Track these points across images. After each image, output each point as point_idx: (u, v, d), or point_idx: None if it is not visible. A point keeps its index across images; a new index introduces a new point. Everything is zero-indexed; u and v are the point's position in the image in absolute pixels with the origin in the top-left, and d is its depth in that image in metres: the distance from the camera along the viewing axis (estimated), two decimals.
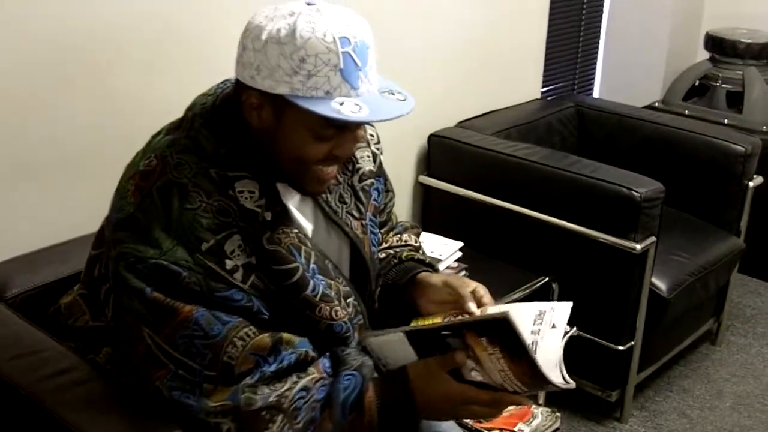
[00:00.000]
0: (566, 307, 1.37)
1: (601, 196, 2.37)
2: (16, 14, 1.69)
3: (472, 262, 2.36)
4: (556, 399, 2.51)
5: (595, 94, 3.95)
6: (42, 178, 1.82)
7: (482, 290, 1.44)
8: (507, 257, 2.52)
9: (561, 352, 1.30)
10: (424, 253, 1.69)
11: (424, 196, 2.82)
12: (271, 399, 1.26)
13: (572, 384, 1.26)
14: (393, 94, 1.29)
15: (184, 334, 1.22)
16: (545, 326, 1.32)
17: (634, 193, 2.31)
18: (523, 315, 1.36)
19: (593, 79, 3.94)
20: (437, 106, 2.79)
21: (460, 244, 2.36)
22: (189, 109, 1.36)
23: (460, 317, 1.33)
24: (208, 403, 1.24)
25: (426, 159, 2.78)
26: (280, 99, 1.22)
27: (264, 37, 1.21)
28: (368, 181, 1.54)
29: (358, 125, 1.31)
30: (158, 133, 1.38)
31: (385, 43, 2.49)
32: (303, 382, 1.30)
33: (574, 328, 1.37)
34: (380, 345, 1.37)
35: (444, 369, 1.30)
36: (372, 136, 1.60)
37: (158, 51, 1.94)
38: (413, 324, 1.42)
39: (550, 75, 3.47)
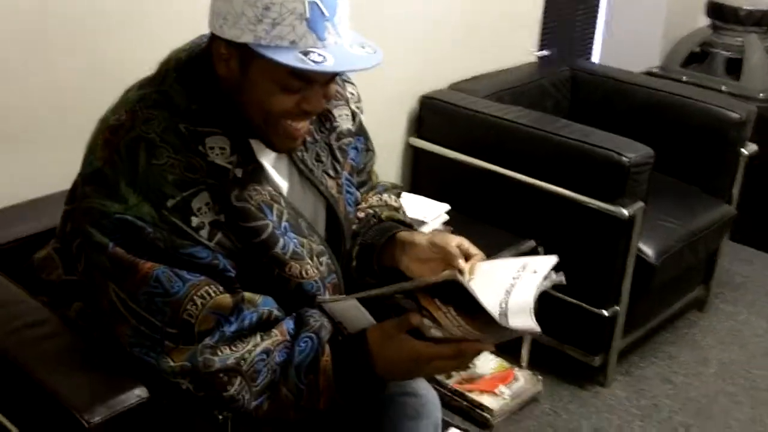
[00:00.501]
0: (551, 258, 1.38)
1: (589, 161, 2.36)
2: None
3: (458, 225, 2.35)
4: (539, 362, 2.53)
5: (594, 59, 3.91)
6: (19, 135, 1.81)
7: (466, 243, 1.44)
8: (494, 221, 2.51)
9: (534, 294, 1.29)
10: (404, 213, 1.68)
11: (414, 158, 2.81)
12: (230, 361, 1.25)
13: (537, 329, 1.24)
14: (363, 48, 1.27)
15: (145, 291, 1.22)
16: (526, 272, 1.33)
17: (623, 158, 2.30)
18: (506, 266, 1.37)
19: (592, 43, 3.89)
20: (429, 68, 2.77)
21: (447, 206, 2.35)
22: (163, 64, 1.35)
23: (410, 282, 1.32)
24: (168, 362, 1.24)
25: (417, 121, 2.76)
26: (246, 49, 1.21)
27: None
28: (346, 140, 1.53)
29: (328, 79, 1.29)
30: (131, 88, 1.36)
31: (376, 5, 2.49)
32: (264, 344, 1.29)
33: (562, 276, 1.36)
34: (337, 310, 1.36)
35: (401, 330, 1.28)
36: (352, 94, 1.58)
37: (136, 5, 1.92)
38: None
39: (547, 38, 3.43)
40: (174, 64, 1.33)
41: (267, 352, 1.29)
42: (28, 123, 1.82)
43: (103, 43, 1.89)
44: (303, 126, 1.32)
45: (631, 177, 2.31)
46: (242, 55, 1.23)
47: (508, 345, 2.45)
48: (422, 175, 2.80)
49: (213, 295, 1.25)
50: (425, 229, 2.25)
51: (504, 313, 1.26)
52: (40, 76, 1.81)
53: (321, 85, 1.28)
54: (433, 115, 2.70)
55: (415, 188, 2.81)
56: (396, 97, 2.70)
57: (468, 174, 2.61)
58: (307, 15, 1.18)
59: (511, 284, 1.31)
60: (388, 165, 2.77)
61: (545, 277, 1.34)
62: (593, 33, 3.85)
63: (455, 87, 2.81)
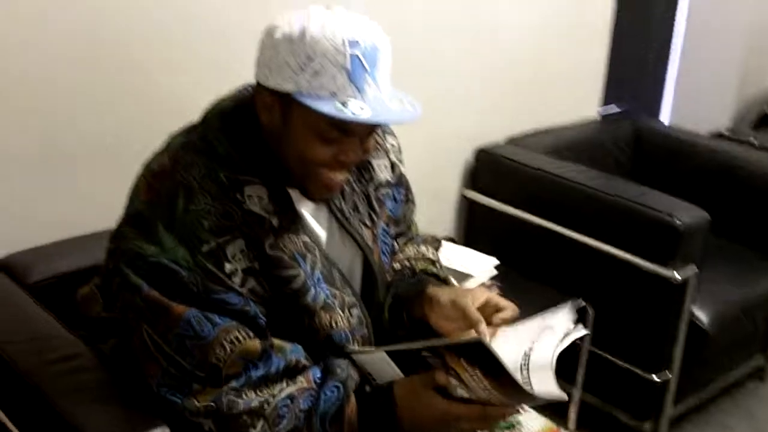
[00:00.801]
0: (570, 311, 1.35)
1: (641, 221, 2.32)
2: (56, 10, 1.74)
3: (506, 280, 2.33)
4: (587, 424, 2.47)
5: (664, 117, 3.85)
6: (71, 170, 1.86)
7: (496, 299, 1.43)
8: (544, 278, 2.48)
9: (552, 356, 1.27)
10: (441, 266, 1.68)
11: (469, 210, 2.80)
12: (253, 404, 1.26)
13: (563, 395, 1.23)
14: (403, 103, 1.28)
15: (176, 333, 1.23)
16: (545, 332, 1.31)
17: (676, 220, 2.25)
18: (527, 328, 1.35)
19: (661, 101, 3.84)
20: (486, 120, 2.78)
21: (495, 260, 2.33)
22: (207, 111, 1.38)
23: (437, 340, 1.31)
24: (194, 403, 1.25)
25: (472, 173, 2.76)
26: (288, 98, 1.23)
27: (277, 35, 1.23)
28: (383, 191, 1.54)
29: (366, 132, 1.31)
30: (176, 134, 1.40)
31: (434, 54, 2.51)
32: (289, 389, 1.30)
33: (581, 330, 1.34)
34: (366, 361, 1.36)
35: (428, 387, 1.28)
36: (393, 145, 1.60)
37: (190, 51, 1.97)
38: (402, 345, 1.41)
39: (612, 94, 3.41)
40: (218, 112, 1.36)
41: (291, 397, 1.30)
42: (82, 158, 1.87)
43: (162, 85, 1.94)
44: (340, 177, 1.34)
45: (684, 240, 2.26)
46: (284, 104, 1.26)
47: (555, 405, 2.43)
48: (476, 228, 2.79)
49: (242, 340, 1.26)
50: (471, 282, 2.24)
51: (527, 380, 1.24)
52: (95, 114, 1.86)
53: (359, 137, 1.30)
54: (487, 168, 2.70)
55: (468, 240, 2.81)
56: (452, 148, 2.71)
57: (520, 229, 2.59)
58: (348, 67, 1.21)
59: (530, 347, 1.29)
60: (441, 216, 2.77)
61: (565, 334, 1.32)
62: (663, 90, 3.81)
63: (513, 141, 2.81)
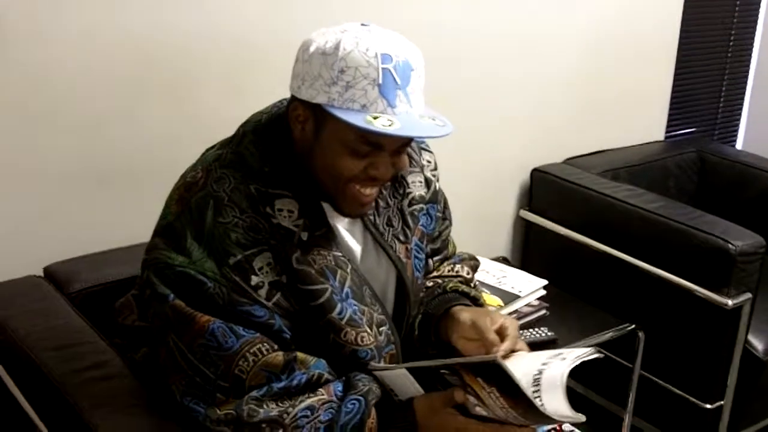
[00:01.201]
0: (588, 351, 1.34)
1: (695, 246, 2.27)
2: (103, 24, 1.80)
3: (557, 303, 2.32)
4: None
5: (739, 143, 3.75)
6: (115, 184, 1.91)
7: (510, 326, 1.43)
8: (597, 301, 2.45)
9: (561, 375, 1.26)
10: (474, 286, 1.68)
11: (525, 231, 2.79)
12: (273, 413, 1.27)
13: (578, 416, 1.22)
14: (434, 120, 1.29)
15: (201, 343, 1.26)
16: (556, 359, 1.30)
17: (730, 245, 2.20)
18: (540, 355, 1.35)
19: (737, 126, 3.75)
20: (544, 141, 2.77)
21: (544, 282, 2.32)
22: (242, 126, 1.41)
23: (454, 359, 1.32)
24: (216, 411, 1.26)
25: (528, 193, 2.75)
26: (320, 111, 1.26)
27: (312, 48, 1.26)
28: (417, 206, 1.55)
29: (397, 147, 1.32)
30: (212, 147, 1.44)
31: (489, 75, 2.52)
32: (309, 401, 1.30)
33: (594, 353, 1.33)
34: (387, 377, 1.37)
35: (447, 404, 1.29)
36: (429, 162, 1.61)
37: (239, 69, 2.02)
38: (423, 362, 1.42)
39: (683, 118, 3.35)
40: (252, 126, 1.39)
41: (311, 408, 1.30)
42: (124, 173, 1.92)
43: (201, 102, 1.99)
44: (371, 193, 1.35)
45: (738, 266, 2.20)
46: (316, 117, 1.28)
47: (608, 427, 2.39)
48: (531, 248, 2.78)
49: (265, 353, 1.27)
50: (518, 304, 2.23)
51: (538, 396, 1.24)
52: (135, 130, 1.91)
53: (390, 152, 1.31)
54: (542, 189, 2.68)
55: (523, 261, 2.80)
56: (509, 169, 2.71)
57: (574, 250, 2.57)
58: (380, 81, 1.23)
59: (540, 369, 1.28)
60: (496, 236, 2.77)
61: (577, 356, 1.31)
62: (738, 115, 3.71)
63: (570, 161, 2.79)
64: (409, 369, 1.33)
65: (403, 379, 1.35)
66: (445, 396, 1.30)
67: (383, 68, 1.23)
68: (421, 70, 1.29)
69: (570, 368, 1.27)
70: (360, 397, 1.33)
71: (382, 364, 1.42)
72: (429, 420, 1.31)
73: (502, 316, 1.47)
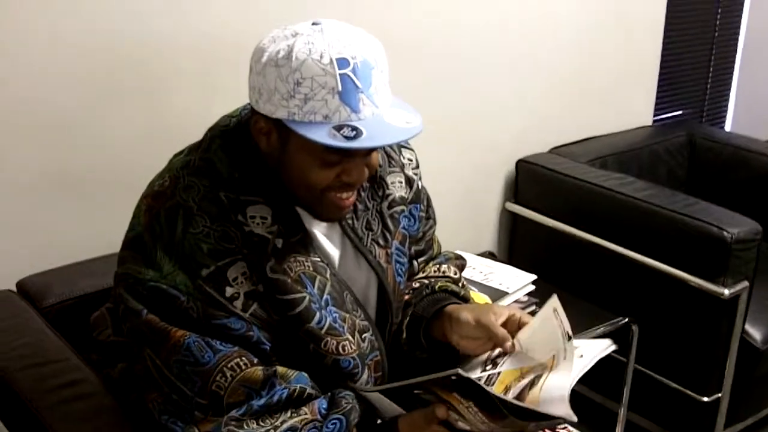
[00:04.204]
0: (605, 343, 1.31)
1: (689, 235, 2.21)
2: (68, 24, 1.73)
3: (546, 297, 2.23)
4: None
5: (727, 125, 3.70)
6: (87, 191, 1.86)
7: (518, 314, 1.39)
8: (588, 294, 2.38)
9: (571, 382, 1.22)
10: (463, 285, 1.62)
11: (511, 224, 2.73)
12: None
13: (573, 417, 1.16)
14: (406, 113, 1.22)
15: (176, 359, 1.20)
16: (571, 355, 1.25)
17: (725, 233, 2.14)
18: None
19: (725, 109, 3.69)
20: (529, 130, 2.70)
21: (533, 277, 2.25)
22: (209, 130, 1.34)
23: (420, 378, 1.26)
24: (194, 430, 1.21)
25: (514, 185, 2.68)
26: (283, 125, 1.19)
27: (264, 59, 1.19)
28: (398, 208, 1.48)
29: (369, 151, 1.26)
30: (180, 153, 1.37)
31: (470, 62, 2.45)
32: (292, 421, 1.25)
33: (611, 345, 1.30)
34: (370, 398, 1.32)
35: (429, 422, 1.23)
36: (410, 160, 1.54)
37: (211, 70, 1.95)
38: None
39: (671, 100, 3.29)
40: (220, 131, 1.33)
41: (294, 429, 1.25)
42: (97, 181, 1.86)
43: (177, 107, 1.93)
44: (349, 196, 1.29)
45: (734, 254, 2.14)
46: (280, 131, 1.22)
47: (603, 423, 2.34)
48: (518, 242, 2.71)
49: (243, 367, 1.22)
50: (506, 301, 2.17)
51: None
52: (109, 137, 1.86)
53: (362, 156, 1.25)
54: (528, 180, 2.62)
55: (510, 255, 2.73)
56: (493, 160, 2.64)
57: (563, 243, 2.51)
58: (339, 89, 1.15)
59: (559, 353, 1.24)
60: (482, 230, 2.70)
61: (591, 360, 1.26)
62: (726, 97, 3.66)
63: (556, 151, 2.72)
64: (381, 392, 1.29)
65: (380, 401, 1.30)
66: (427, 413, 1.24)
67: (341, 74, 1.15)
68: (383, 65, 1.21)
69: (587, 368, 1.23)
70: (341, 417, 1.28)
71: (357, 386, 1.36)
72: None
73: (504, 307, 1.42)
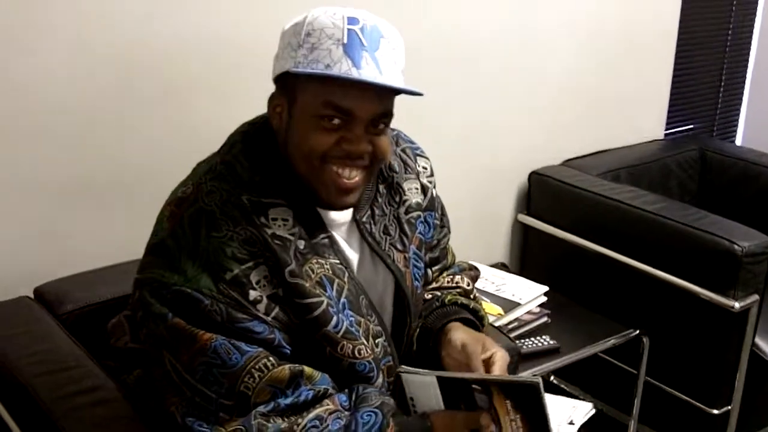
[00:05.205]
0: (588, 407, 1.31)
1: (699, 248, 2.22)
2: (92, 31, 1.75)
3: (558, 308, 2.28)
4: None
5: (738, 139, 3.71)
6: (106, 199, 1.86)
7: (499, 359, 1.39)
8: (599, 306, 2.40)
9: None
10: (475, 297, 1.64)
11: (524, 235, 2.74)
12: (283, 426, 1.23)
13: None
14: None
15: (202, 362, 1.22)
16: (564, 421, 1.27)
17: (736, 246, 2.15)
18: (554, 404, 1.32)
19: (736, 123, 3.70)
20: (542, 142, 2.72)
21: (545, 288, 2.27)
22: (231, 136, 1.37)
23: (491, 374, 1.27)
24: (221, 430, 1.22)
25: (526, 197, 2.70)
26: (290, 87, 1.25)
27: (287, 26, 1.27)
28: (414, 214, 1.51)
29: (369, 117, 1.26)
30: (202, 161, 1.39)
31: (484, 75, 2.48)
32: (316, 411, 1.26)
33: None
34: (412, 382, 1.33)
35: (467, 426, 1.25)
36: (425, 168, 1.56)
37: (232, 78, 1.97)
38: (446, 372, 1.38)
39: (682, 115, 3.30)
40: (240, 136, 1.35)
41: (320, 419, 1.26)
42: (118, 188, 1.88)
43: (200, 114, 1.94)
44: (350, 176, 1.29)
45: (745, 267, 2.15)
46: (288, 97, 1.27)
47: None
48: (530, 253, 2.73)
49: (270, 367, 1.24)
50: (519, 312, 2.19)
51: None
52: (131, 144, 1.87)
53: (363, 125, 1.26)
54: (541, 192, 2.63)
55: (522, 266, 2.75)
56: (506, 171, 2.66)
57: (575, 254, 2.52)
58: (345, 41, 1.21)
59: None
60: (494, 240, 2.72)
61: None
62: (737, 112, 3.67)
63: (568, 163, 2.74)
64: (439, 378, 1.29)
65: (428, 388, 1.30)
66: (469, 417, 1.25)
67: (349, 29, 1.22)
68: (396, 43, 1.27)
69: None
70: (376, 410, 1.29)
71: (412, 368, 1.36)
72: None
73: (496, 345, 1.43)
